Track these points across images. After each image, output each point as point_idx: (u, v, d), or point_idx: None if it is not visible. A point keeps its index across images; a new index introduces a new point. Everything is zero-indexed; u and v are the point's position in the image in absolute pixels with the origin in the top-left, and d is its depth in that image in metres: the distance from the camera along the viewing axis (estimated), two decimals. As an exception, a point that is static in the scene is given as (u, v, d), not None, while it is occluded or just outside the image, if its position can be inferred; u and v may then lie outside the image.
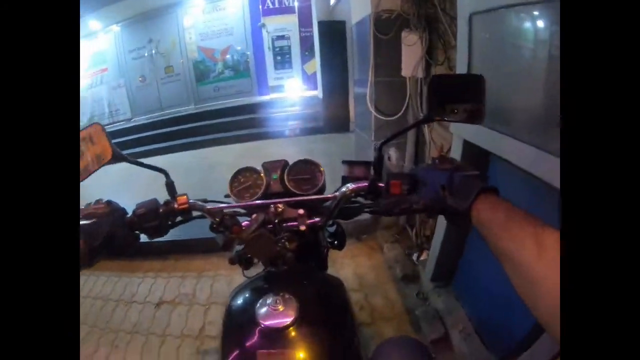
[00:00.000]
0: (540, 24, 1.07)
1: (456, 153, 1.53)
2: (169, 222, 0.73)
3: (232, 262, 0.73)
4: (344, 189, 0.72)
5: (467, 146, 1.45)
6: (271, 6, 6.91)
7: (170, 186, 0.76)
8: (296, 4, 6.68)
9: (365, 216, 0.79)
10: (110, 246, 0.64)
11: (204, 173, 3.96)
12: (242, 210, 0.77)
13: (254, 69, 7.30)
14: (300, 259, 0.72)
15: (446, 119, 0.68)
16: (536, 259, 0.39)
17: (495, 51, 1.28)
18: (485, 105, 0.63)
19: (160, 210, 0.71)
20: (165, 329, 2.02)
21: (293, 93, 7.05)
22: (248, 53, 7.24)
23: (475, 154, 1.41)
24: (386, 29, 2.09)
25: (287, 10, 6.86)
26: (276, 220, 0.71)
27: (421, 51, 1.92)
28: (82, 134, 0.72)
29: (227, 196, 0.80)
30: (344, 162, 0.80)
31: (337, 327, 0.66)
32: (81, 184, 0.78)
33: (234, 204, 0.78)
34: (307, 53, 6.79)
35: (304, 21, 6.53)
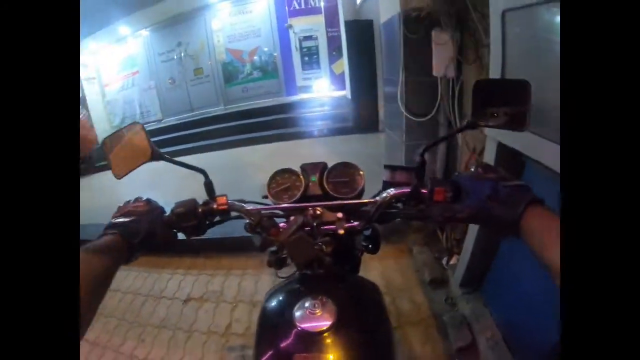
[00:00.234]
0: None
1: (489, 156, 1.49)
2: (207, 222, 0.74)
3: (270, 264, 0.73)
4: (384, 194, 0.71)
5: (501, 149, 1.40)
6: (297, 7, 6.97)
7: (208, 186, 0.77)
8: (322, 4, 6.70)
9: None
10: (149, 244, 0.65)
11: (233, 173, 4.01)
12: (280, 212, 0.77)
13: (282, 69, 7.36)
14: (335, 262, 0.71)
15: (490, 124, 0.66)
16: None
17: (531, 49, 1.22)
18: (530, 112, 0.61)
19: (199, 210, 0.71)
20: (192, 325, 2.05)
21: (321, 93, 7.05)
22: (275, 54, 7.31)
23: (509, 157, 1.36)
24: (415, 28, 2.05)
25: (313, 10, 6.90)
26: (314, 223, 0.70)
27: (452, 50, 1.87)
28: (122, 133, 0.75)
29: (264, 197, 0.80)
30: (385, 166, 0.79)
31: (375, 333, 0.65)
32: (117, 182, 0.82)
33: (272, 205, 0.78)
34: (334, 53, 6.78)
35: (331, 21, 6.53)
